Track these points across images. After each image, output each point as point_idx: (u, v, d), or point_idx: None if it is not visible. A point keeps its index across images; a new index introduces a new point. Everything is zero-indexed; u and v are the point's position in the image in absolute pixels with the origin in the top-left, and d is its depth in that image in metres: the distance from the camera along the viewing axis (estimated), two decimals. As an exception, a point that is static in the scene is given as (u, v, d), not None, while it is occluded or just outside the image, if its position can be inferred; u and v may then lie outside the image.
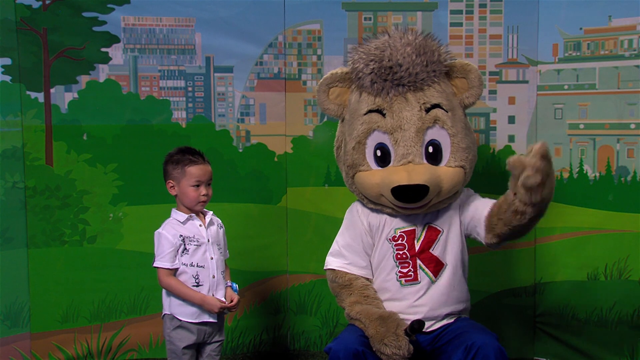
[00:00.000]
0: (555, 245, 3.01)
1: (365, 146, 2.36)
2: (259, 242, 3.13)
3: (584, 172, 2.94)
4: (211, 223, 2.50)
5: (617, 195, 2.89)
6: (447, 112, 2.32)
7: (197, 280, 2.43)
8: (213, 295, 2.45)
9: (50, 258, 3.03)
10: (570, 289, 3.00)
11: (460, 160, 2.34)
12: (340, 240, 2.47)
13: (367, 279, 2.43)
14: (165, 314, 2.48)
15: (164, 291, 2.47)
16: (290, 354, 3.18)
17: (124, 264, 3.07)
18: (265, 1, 3.04)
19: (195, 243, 2.43)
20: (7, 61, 2.95)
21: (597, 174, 2.92)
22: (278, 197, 3.12)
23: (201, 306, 2.42)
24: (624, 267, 2.91)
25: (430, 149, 2.32)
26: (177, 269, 2.42)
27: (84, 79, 3.02)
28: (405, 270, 2.36)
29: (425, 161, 2.31)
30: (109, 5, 3.00)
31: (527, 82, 3.01)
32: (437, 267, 2.36)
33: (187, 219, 2.45)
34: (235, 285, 2.54)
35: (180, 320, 2.43)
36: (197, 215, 2.48)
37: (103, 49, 3.02)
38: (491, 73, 3.01)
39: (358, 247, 2.43)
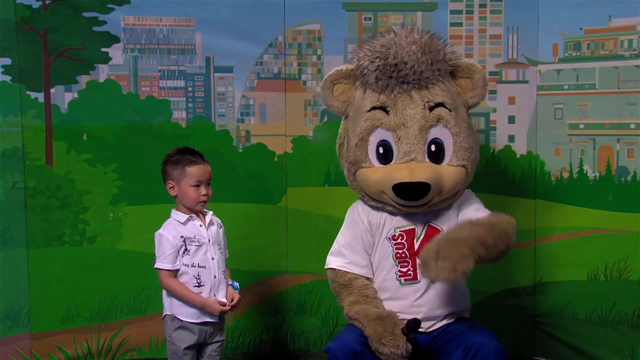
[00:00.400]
0: (555, 245, 3.01)
1: (368, 143, 2.36)
2: (259, 242, 3.13)
3: (584, 172, 2.94)
4: (211, 223, 2.50)
5: (617, 195, 2.88)
6: (450, 111, 2.32)
7: (198, 281, 2.43)
8: (215, 295, 2.45)
9: (50, 258, 3.03)
10: (570, 289, 3.00)
11: (463, 160, 2.34)
12: (340, 240, 2.47)
13: (368, 279, 2.43)
14: (166, 315, 2.47)
15: (164, 292, 2.47)
16: (290, 354, 3.18)
17: (124, 264, 3.07)
18: (265, 1, 3.04)
19: (196, 243, 2.43)
20: (7, 61, 2.95)
21: (597, 174, 2.92)
22: (278, 197, 3.12)
23: (202, 309, 2.43)
24: (624, 267, 2.91)
25: (433, 148, 2.32)
26: (178, 270, 2.42)
27: (84, 79, 3.02)
28: (404, 270, 2.36)
29: (427, 159, 2.31)
30: (109, 5, 3.00)
31: (527, 82, 3.01)
32: (437, 267, 2.35)
33: (188, 220, 2.45)
34: (236, 284, 2.54)
35: (182, 321, 2.43)
36: (197, 215, 2.48)
37: (103, 49, 3.02)
38: (491, 73, 3.01)
39: (358, 246, 2.42)
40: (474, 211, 2.36)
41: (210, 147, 2.92)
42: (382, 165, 2.35)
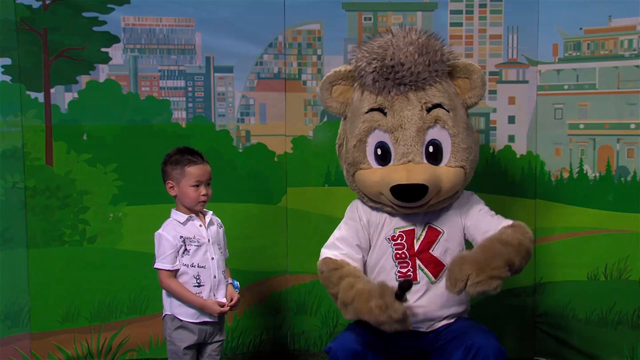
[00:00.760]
0: (555, 245, 3.01)
1: (366, 144, 2.36)
2: (259, 242, 3.13)
3: (584, 172, 2.94)
4: (211, 223, 2.50)
5: (617, 195, 2.88)
6: (448, 112, 2.32)
7: (198, 281, 2.43)
8: (214, 295, 2.46)
9: (50, 258, 3.03)
10: (570, 289, 3.00)
11: (461, 161, 2.34)
12: (336, 234, 2.46)
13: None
14: (166, 315, 2.48)
15: (164, 292, 2.47)
16: (290, 354, 3.19)
17: (124, 264, 3.07)
18: (265, 1, 3.03)
19: (196, 243, 2.44)
20: (7, 61, 2.95)
21: (597, 174, 2.92)
22: (278, 197, 3.12)
23: (201, 310, 2.43)
24: (624, 267, 2.91)
25: (431, 149, 2.32)
26: (177, 270, 2.43)
27: (84, 79, 3.02)
28: (404, 270, 2.36)
29: (425, 161, 2.31)
30: (109, 5, 3.00)
31: (527, 82, 3.01)
32: (436, 267, 2.35)
33: (187, 220, 2.45)
34: (237, 283, 2.54)
35: (182, 321, 2.43)
36: (197, 215, 2.48)
37: (103, 49, 3.02)
38: (491, 73, 3.01)
39: (353, 241, 2.40)
40: (489, 217, 2.37)
41: (210, 147, 2.93)
42: (380, 167, 2.35)
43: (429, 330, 2.35)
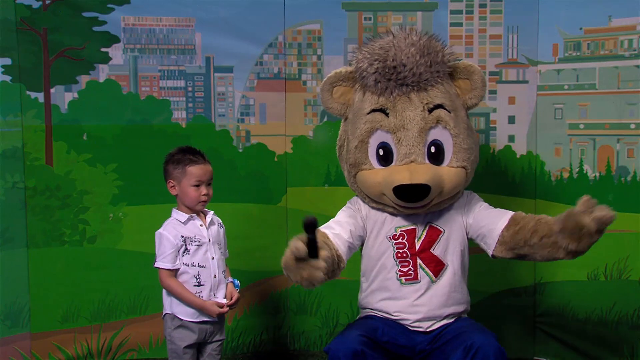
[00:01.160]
0: (555, 245, 3.00)
1: (368, 145, 2.36)
2: (259, 242, 3.13)
3: (584, 172, 2.94)
4: (212, 223, 2.51)
5: (617, 195, 2.89)
6: (449, 112, 2.32)
7: (198, 280, 2.43)
8: (214, 295, 2.46)
9: (50, 258, 3.03)
10: (570, 289, 3.00)
11: (462, 161, 2.34)
12: (333, 219, 2.45)
13: (341, 254, 2.30)
14: (166, 314, 2.48)
15: (164, 291, 2.47)
16: (290, 354, 3.18)
17: (124, 264, 3.07)
18: (265, 1, 3.04)
19: (197, 243, 2.44)
20: (7, 61, 2.95)
21: (597, 174, 2.92)
22: (278, 197, 3.12)
23: (200, 311, 2.43)
24: (624, 267, 2.91)
25: (433, 149, 2.32)
26: (177, 270, 2.43)
27: (84, 79, 3.02)
28: (405, 269, 2.36)
29: (427, 161, 2.31)
30: (109, 5, 3.00)
31: (527, 82, 3.01)
32: (437, 267, 2.36)
33: (188, 219, 2.45)
34: (237, 282, 2.54)
35: (182, 320, 2.43)
36: (198, 215, 2.48)
37: (103, 49, 3.02)
38: (491, 73, 3.01)
39: (347, 226, 2.39)
40: (498, 215, 2.37)
41: (210, 147, 2.91)
42: (382, 168, 2.35)
43: (428, 330, 2.35)
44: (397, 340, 2.31)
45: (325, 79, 2.47)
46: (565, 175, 2.97)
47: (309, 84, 3.09)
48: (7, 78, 2.95)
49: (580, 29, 2.92)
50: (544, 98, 2.99)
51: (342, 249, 2.31)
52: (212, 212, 2.53)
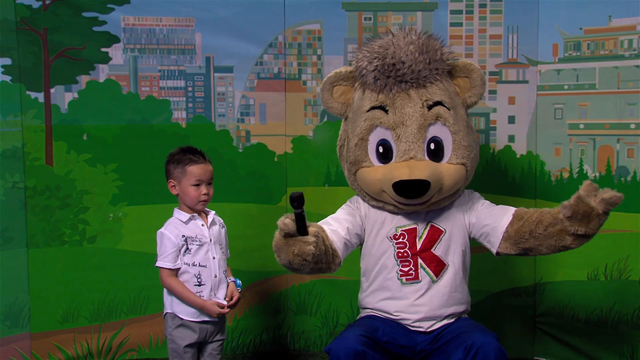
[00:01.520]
0: (555, 245, 3.00)
1: (368, 142, 2.36)
2: (259, 242, 3.12)
3: (584, 172, 2.94)
4: (213, 223, 2.51)
5: (617, 195, 2.89)
6: (449, 109, 2.33)
7: (199, 280, 2.43)
8: (215, 294, 2.46)
9: (50, 258, 3.03)
10: (570, 289, 3.00)
11: (462, 158, 2.34)
12: (331, 215, 2.45)
13: (336, 248, 2.31)
14: (166, 313, 2.48)
15: (165, 290, 2.47)
16: (290, 354, 3.18)
17: (124, 264, 3.07)
18: (265, 1, 3.04)
19: (198, 243, 2.44)
20: (7, 61, 2.95)
21: (597, 174, 2.92)
22: (278, 197, 3.12)
23: (200, 310, 2.44)
24: (624, 267, 2.91)
25: (432, 146, 2.32)
26: (178, 269, 2.43)
27: (84, 79, 3.02)
28: (406, 269, 2.36)
29: (426, 158, 2.32)
30: (109, 5, 3.00)
31: (527, 82, 3.01)
32: (438, 266, 2.36)
33: (190, 219, 2.46)
34: (239, 281, 2.55)
35: (182, 319, 2.44)
36: (200, 214, 2.49)
37: (103, 49, 3.02)
38: (491, 73, 3.01)
39: (345, 223, 2.39)
40: (501, 212, 2.36)
41: (210, 147, 2.92)
42: (382, 165, 2.35)
43: (429, 330, 2.35)
44: (397, 340, 2.31)
45: (325, 79, 2.48)
46: (565, 175, 2.97)
47: (309, 84, 3.10)
48: (7, 78, 2.95)
49: (580, 29, 2.92)
50: (544, 98, 2.99)
51: (337, 244, 2.32)
52: (213, 212, 2.54)
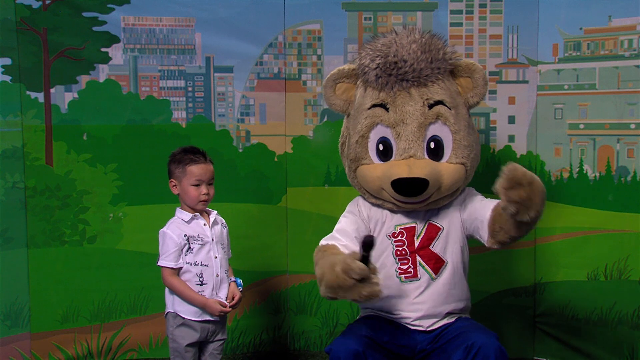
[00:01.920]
0: (555, 245, 3.01)
1: (368, 140, 2.37)
2: (259, 242, 3.13)
3: (584, 172, 2.94)
4: (215, 222, 2.52)
5: (617, 195, 2.89)
6: (450, 109, 2.33)
7: (201, 279, 2.44)
8: (217, 293, 2.47)
9: (50, 258, 3.03)
10: (570, 289, 3.00)
11: (462, 158, 2.34)
12: (337, 226, 2.46)
13: None
14: (168, 312, 2.49)
15: (167, 289, 2.48)
16: (290, 354, 3.19)
17: (124, 264, 3.07)
18: (265, 1, 3.04)
19: (200, 242, 2.45)
20: (7, 61, 2.95)
21: (597, 174, 2.92)
22: (278, 197, 3.12)
23: (202, 309, 2.44)
24: (624, 267, 2.91)
25: (432, 145, 2.33)
26: (180, 268, 2.44)
27: (84, 79, 3.02)
28: (404, 267, 2.36)
29: (426, 156, 2.32)
30: (109, 5, 3.00)
31: (527, 82, 3.01)
32: (437, 264, 2.36)
33: (192, 218, 2.47)
34: (240, 281, 2.55)
35: (184, 318, 2.44)
36: (202, 214, 2.50)
37: (103, 49, 3.02)
38: (491, 73, 3.01)
39: (352, 233, 2.39)
40: (486, 205, 2.34)
41: (210, 147, 2.91)
42: (381, 162, 2.36)
43: (429, 329, 2.35)
44: (397, 340, 2.31)
45: (328, 76, 2.48)
46: (565, 175, 2.97)
47: (309, 84, 3.10)
48: (7, 78, 2.95)
49: (580, 29, 2.92)
50: (544, 98, 2.99)
51: None
52: (215, 211, 2.55)
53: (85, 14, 2.99)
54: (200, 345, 2.49)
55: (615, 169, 2.89)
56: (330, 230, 2.54)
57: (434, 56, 2.32)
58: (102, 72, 3.04)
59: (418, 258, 2.36)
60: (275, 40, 3.08)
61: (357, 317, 2.53)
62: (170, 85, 3.07)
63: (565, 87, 2.96)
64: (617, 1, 2.86)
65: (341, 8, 3.05)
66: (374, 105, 2.35)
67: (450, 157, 2.34)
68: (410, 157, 2.30)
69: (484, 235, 2.32)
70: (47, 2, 2.95)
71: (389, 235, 2.39)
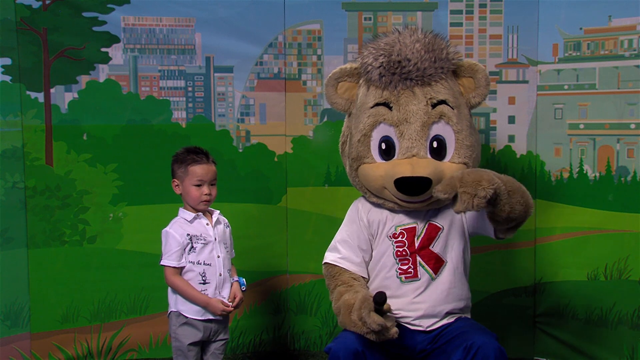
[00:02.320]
0: (555, 245, 3.01)
1: (371, 139, 2.37)
2: (259, 242, 3.13)
3: (584, 172, 2.94)
4: (218, 222, 2.53)
5: (617, 195, 2.89)
6: (453, 109, 2.33)
7: (204, 278, 2.45)
8: (219, 293, 2.48)
9: (50, 258, 3.03)
10: (570, 289, 3.00)
11: (464, 157, 2.34)
12: (338, 236, 2.48)
13: (360, 276, 2.42)
14: (171, 311, 2.50)
15: (169, 289, 2.49)
16: (290, 354, 3.19)
17: (124, 264, 3.07)
18: (265, 1, 3.04)
19: (202, 241, 2.46)
20: (7, 61, 2.95)
21: (597, 174, 2.92)
22: (278, 197, 3.12)
23: (205, 308, 2.45)
24: (624, 267, 2.91)
25: (435, 144, 2.33)
26: (183, 268, 2.44)
27: (84, 79, 3.02)
28: (405, 267, 2.36)
29: (429, 156, 2.32)
30: (109, 5, 3.00)
31: (527, 82, 3.01)
32: (437, 264, 2.36)
33: (194, 218, 2.48)
34: (243, 280, 2.55)
35: (187, 317, 2.45)
36: (204, 214, 2.50)
37: (103, 49, 3.02)
38: (491, 73, 3.00)
39: (353, 243, 2.42)
40: None
41: (210, 147, 2.90)
42: (384, 161, 2.36)
43: (429, 329, 2.35)
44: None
45: (330, 75, 2.49)
46: (565, 175, 2.97)
47: (309, 84, 3.10)
48: (7, 78, 2.95)
49: (580, 29, 2.92)
50: (544, 98, 2.99)
51: (360, 272, 2.42)
52: (218, 211, 2.55)
53: (85, 14, 2.99)
54: (202, 345, 2.50)
55: (615, 169, 2.89)
56: (330, 230, 2.55)
57: (438, 56, 2.32)
58: (102, 72, 3.04)
59: (418, 258, 2.36)
60: (275, 40, 3.08)
61: (358, 317, 2.53)
62: (170, 85, 3.07)
63: (565, 87, 2.96)
64: (617, 1, 2.86)
65: (341, 8, 3.05)
66: (377, 104, 2.34)
67: (452, 157, 2.34)
68: (413, 156, 2.30)
69: (489, 230, 2.34)
70: (47, 2, 2.95)
71: (390, 236, 2.39)
